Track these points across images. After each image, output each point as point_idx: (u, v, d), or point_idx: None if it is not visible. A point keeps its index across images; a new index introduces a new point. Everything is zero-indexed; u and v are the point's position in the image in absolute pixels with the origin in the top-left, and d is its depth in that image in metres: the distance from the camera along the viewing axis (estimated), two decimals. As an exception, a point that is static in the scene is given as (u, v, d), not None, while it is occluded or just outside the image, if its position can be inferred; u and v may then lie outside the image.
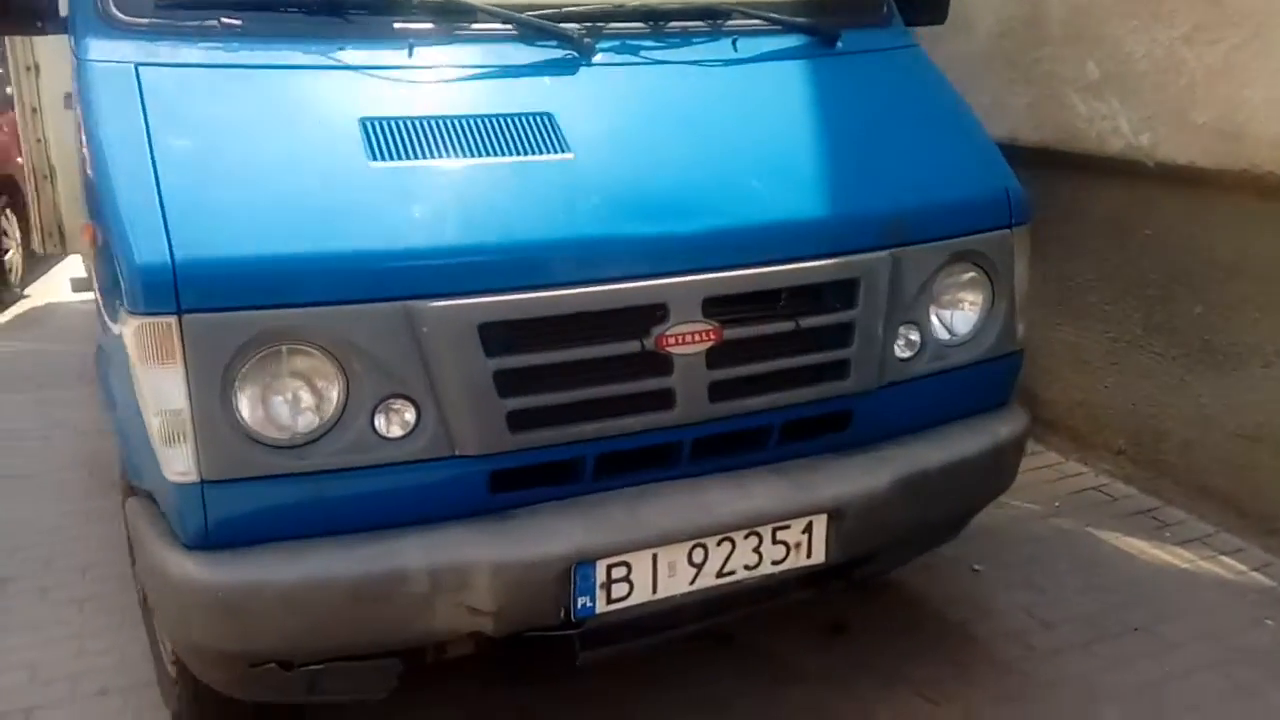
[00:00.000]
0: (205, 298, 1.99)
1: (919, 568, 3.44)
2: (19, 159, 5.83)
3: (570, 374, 2.23)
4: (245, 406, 2.05)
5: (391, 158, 2.21)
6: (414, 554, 2.11)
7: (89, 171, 2.28)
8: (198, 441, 2.02)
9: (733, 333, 2.32)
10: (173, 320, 1.98)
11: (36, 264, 7.79)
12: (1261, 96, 3.44)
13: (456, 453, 2.16)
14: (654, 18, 2.65)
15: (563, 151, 2.31)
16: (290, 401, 2.09)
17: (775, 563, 2.41)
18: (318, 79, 2.35)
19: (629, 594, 2.28)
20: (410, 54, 2.42)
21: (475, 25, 2.51)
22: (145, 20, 2.32)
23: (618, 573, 2.25)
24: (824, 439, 2.53)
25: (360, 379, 2.09)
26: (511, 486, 2.24)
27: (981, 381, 2.72)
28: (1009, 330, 2.72)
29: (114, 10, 2.32)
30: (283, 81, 2.33)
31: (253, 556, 2.08)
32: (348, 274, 2.07)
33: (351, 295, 2.06)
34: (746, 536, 2.36)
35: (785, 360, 2.41)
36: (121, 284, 2.03)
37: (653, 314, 2.25)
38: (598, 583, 2.24)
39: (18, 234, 7.61)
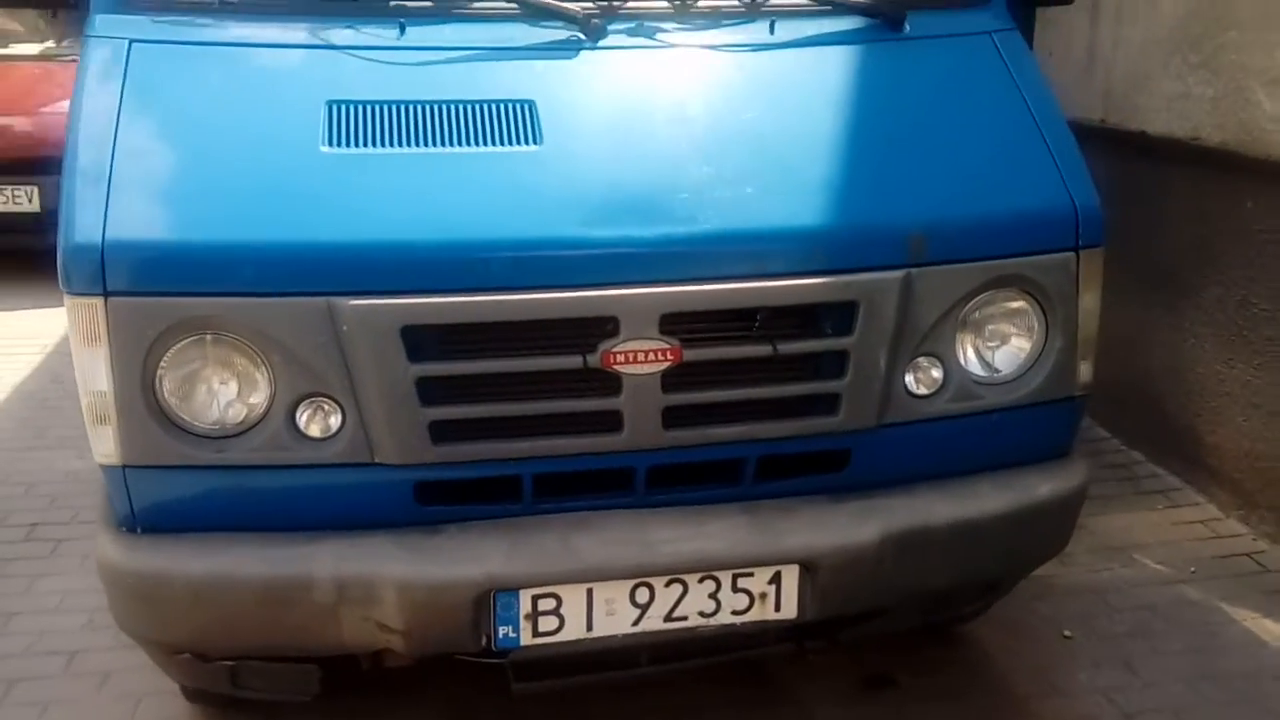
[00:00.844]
0: (129, 281, 1.97)
1: (997, 622, 3.08)
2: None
3: (503, 386, 2.07)
4: (169, 394, 2.02)
5: (345, 144, 2.11)
6: (323, 562, 2.03)
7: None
8: (119, 425, 2.01)
9: (695, 354, 2.08)
10: (99, 301, 1.97)
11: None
12: None
13: (377, 460, 2.05)
14: None
15: (531, 143, 2.14)
16: (214, 392, 2.04)
17: (737, 613, 2.16)
18: (301, 58, 2.29)
19: (559, 629, 2.10)
20: (402, 33, 2.30)
21: (476, 4, 2.37)
22: None
23: (545, 605, 2.08)
24: (816, 479, 2.24)
25: (282, 375, 2.02)
26: (440, 500, 2.11)
27: (1027, 429, 2.34)
28: (1066, 371, 2.32)
29: None
30: (266, 60, 2.28)
31: (166, 546, 2.06)
32: (269, 265, 1.99)
33: (272, 287, 1.99)
34: (701, 580, 2.13)
35: (759, 389, 2.15)
36: (59, 261, 2.04)
37: (600, 328, 2.05)
38: (521, 613, 2.08)
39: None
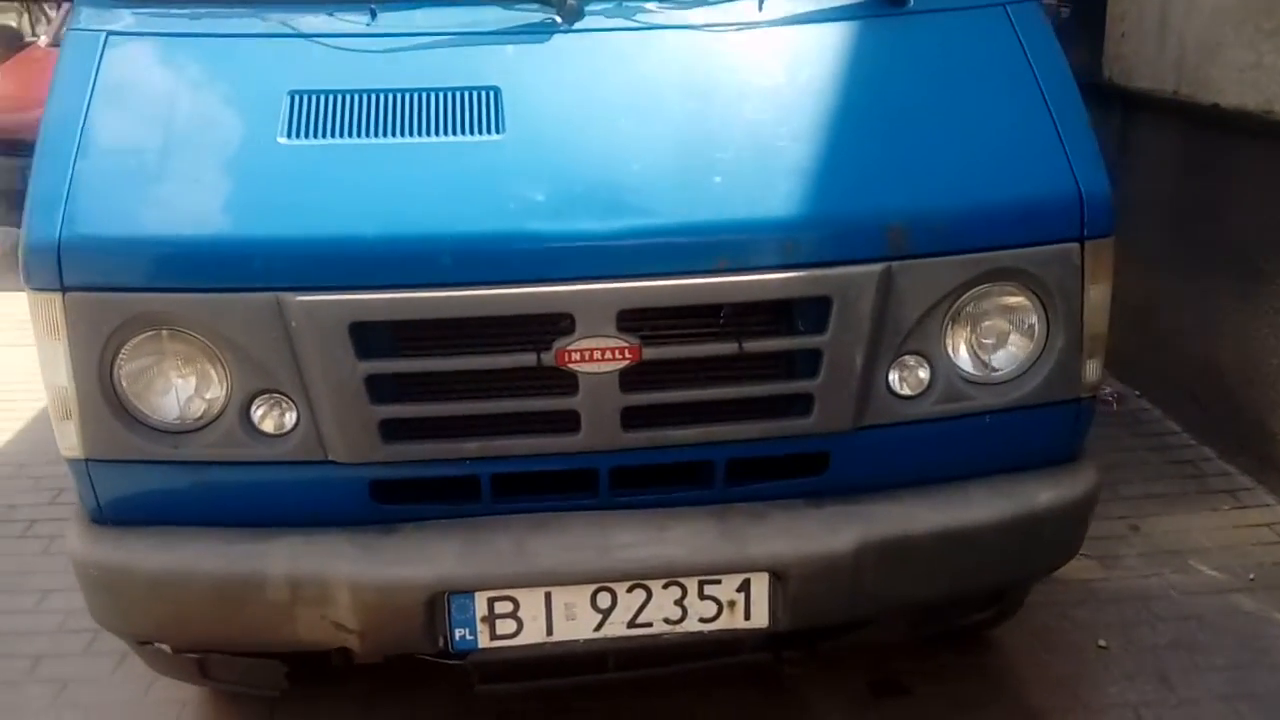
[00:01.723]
0: (84, 277, 1.97)
1: (1027, 628, 2.92)
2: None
3: (455, 385, 2.02)
4: (127, 389, 2.02)
5: (302, 135, 2.07)
6: (278, 560, 2.01)
7: None
8: (80, 419, 2.02)
9: (655, 352, 1.99)
10: (57, 297, 1.97)
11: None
12: None
13: (330, 458, 2.02)
14: None
15: (492, 133, 2.07)
16: (172, 387, 2.04)
17: (705, 620, 2.07)
18: (273, 48, 2.24)
19: (517, 632, 2.05)
20: (373, 19, 2.25)
21: (449, -14, 2.30)
22: None
23: (502, 608, 2.03)
24: (794, 483, 2.13)
25: (236, 371, 2.00)
26: (397, 499, 2.08)
27: (1026, 432, 2.19)
28: (1068, 371, 2.16)
29: None
30: (238, 51, 2.25)
31: (129, 539, 2.07)
32: (217, 260, 1.97)
33: (222, 283, 1.97)
34: (666, 587, 2.05)
35: (724, 389, 2.05)
36: (20, 255, 2.05)
37: (555, 325, 1.97)
38: (477, 616, 2.03)
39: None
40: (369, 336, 1.97)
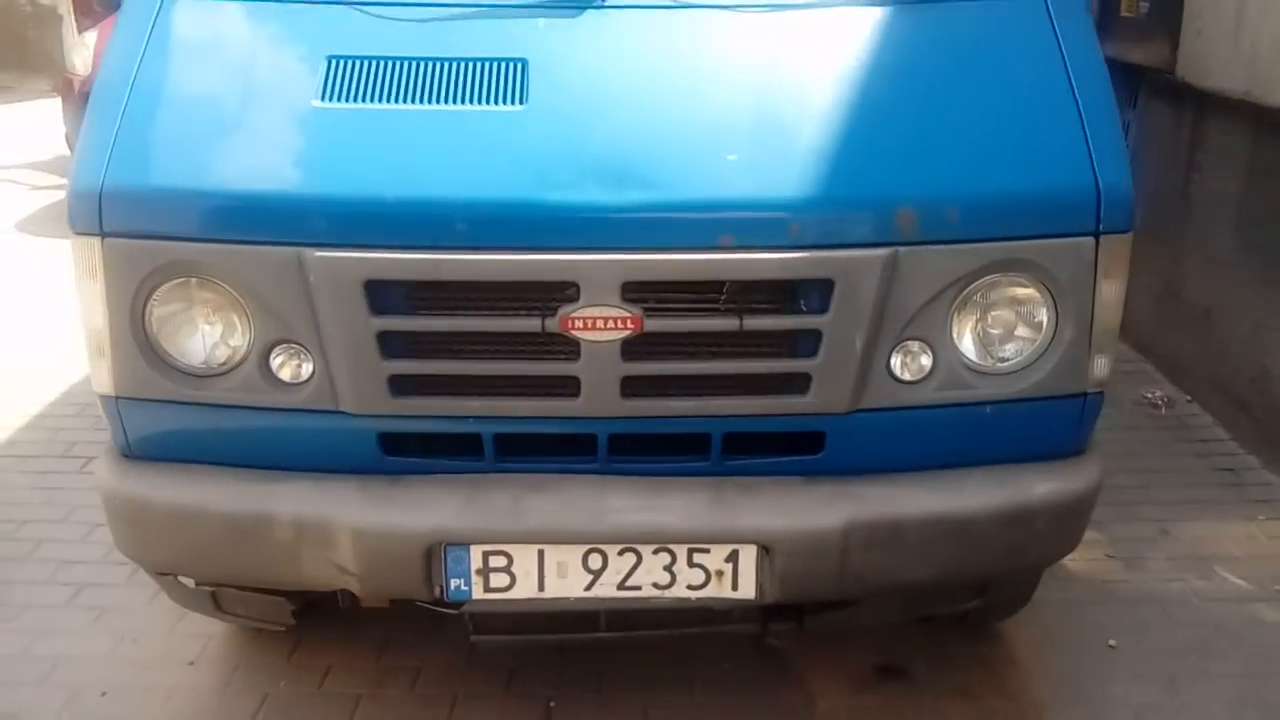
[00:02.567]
0: (122, 224, 2.08)
1: (1038, 623, 2.92)
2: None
3: (463, 345, 2.09)
4: (157, 333, 2.13)
5: (337, 99, 2.14)
6: (285, 502, 2.11)
7: None
8: (112, 358, 2.13)
9: (656, 324, 2.04)
10: (96, 241, 2.08)
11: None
12: None
13: (341, 408, 2.11)
14: None
15: (516, 103, 2.12)
16: (199, 333, 2.14)
17: (693, 587, 2.12)
18: (320, 13, 2.31)
19: (510, 586, 2.12)
20: (419, -15, 2.32)
21: (489, -41, 2.35)
22: None
23: (496, 562, 2.10)
24: (790, 460, 2.17)
25: (257, 320, 2.10)
26: (404, 452, 2.16)
27: (1029, 424, 2.19)
28: (1075, 366, 2.15)
29: None
30: (287, 15, 2.33)
31: (151, 474, 2.19)
32: (245, 214, 2.06)
33: (248, 236, 2.06)
34: (656, 552, 2.10)
35: (723, 364, 2.09)
36: (67, 201, 2.17)
37: (561, 292, 2.03)
38: (472, 568, 2.10)
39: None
40: (383, 294, 2.04)
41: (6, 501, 3.67)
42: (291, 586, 2.26)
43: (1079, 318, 2.12)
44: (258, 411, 2.14)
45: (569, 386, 2.08)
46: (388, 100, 2.14)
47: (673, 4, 2.29)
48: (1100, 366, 2.18)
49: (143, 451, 2.21)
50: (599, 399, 2.07)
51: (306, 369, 2.11)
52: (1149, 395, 4.34)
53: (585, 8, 2.28)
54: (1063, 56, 2.23)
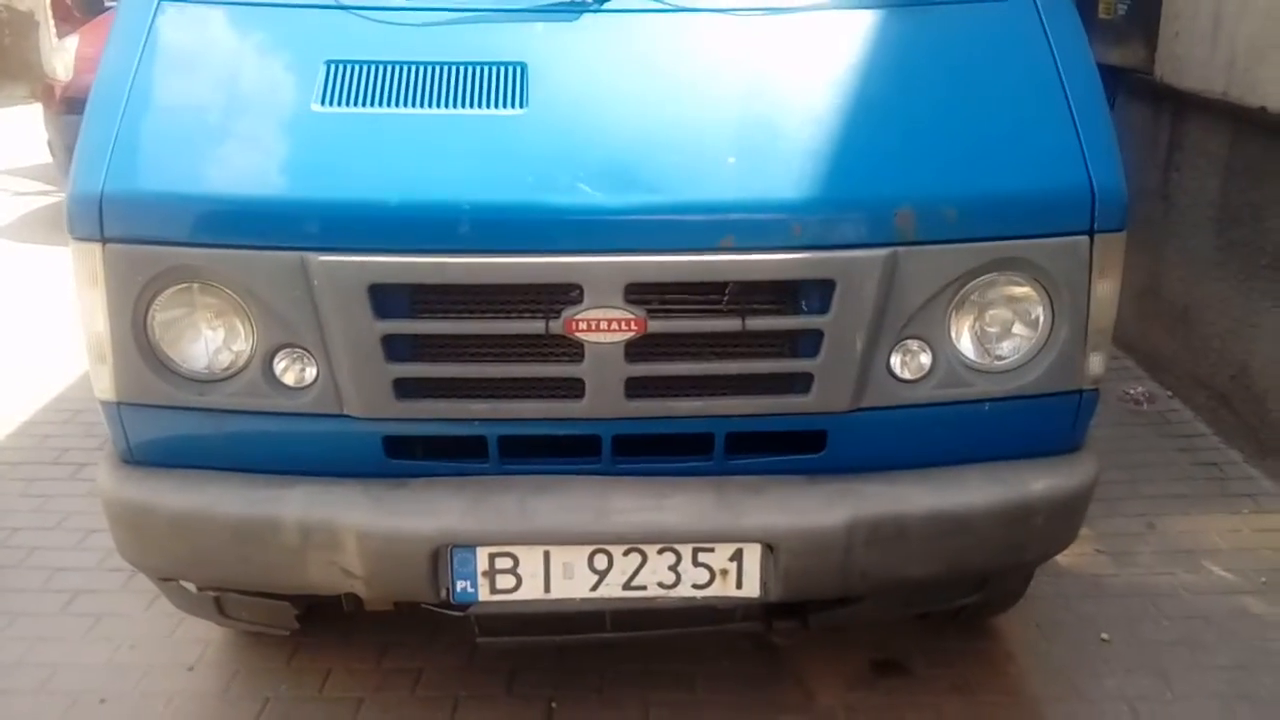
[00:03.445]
0: (123, 229, 2.08)
1: (1031, 617, 2.96)
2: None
3: (467, 347, 2.10)
4: (159, 338, 2.13)
5: (335, 103, 2.16)
6: (292, 506, 2.11)
7: None
8: (114, 364, 2.13)
9: (660, 325, 2.06)
10: (97, 247, 2.08)
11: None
12: None
13: (346, 412, 2.11)
14: None
15: (516, 107, 2.14)
16: (201, 338, 2.14)
17: (698, 586, 2.14)
18: (316, 17, 2.33)
19: (516, 588, 2.14)
20: (416, -10, 2.33)
21: (486, -36, 2.37)
22: None
23: (502, 564, 2.12)
24: (792, 459, 2.19)
25: (260, 325, 2.10)
26: (407, 454, 2.17)
27: (1026, 421, 2.22)
28: (1070, 363, 2.19)
29: None
30: (282, 20, 2.34)
31: (153, 479, 2.18)
32: (248, 219, 2.07)
33: (251, 241, 2.06)
34: (661, 552, 2.12)
35: (726, 364, 2.11)
36: (64, 205, 2.16)
37: (564, 294, 2.05)
38: (479, 570, 2.12)
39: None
40: (386, 298, 2.05)
41: (-3, 509, 3.65)
42: (297, 591, 2.26)
43: (1074, 316, 2.16)
44: (261, 416, 2.15)
45: (573, 388, 2.09)
46: (387, 104, 2.16)
47: (671, 7, 2.31)
48: (1095, 364, 2.21)
49: (144, 457, 2.21)
50: (603, 400, 2.09)
51: (310, 373, 2.12)
52: (1131, 391, 4.40)
53: (583, 11, 2.30)
54: (1054, 57, 2.27)
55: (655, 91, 2.20)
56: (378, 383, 2.08)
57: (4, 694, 2.72)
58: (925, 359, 2.15)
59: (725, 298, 2.07)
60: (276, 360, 2.12)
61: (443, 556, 2.10)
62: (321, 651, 2.83)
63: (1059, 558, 2.68)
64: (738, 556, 2.12)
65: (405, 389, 2.09)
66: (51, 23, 7.56)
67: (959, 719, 2.64)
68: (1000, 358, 2.19)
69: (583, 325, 2.04)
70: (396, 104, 2.16)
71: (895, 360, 2.14)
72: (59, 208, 7.58)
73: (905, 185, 2.09)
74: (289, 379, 2.12)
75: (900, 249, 2.06)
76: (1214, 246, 4.10)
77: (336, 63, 2.21)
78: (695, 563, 2.12)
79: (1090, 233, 2.14)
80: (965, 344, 2.17)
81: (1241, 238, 3.92)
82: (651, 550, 2.11)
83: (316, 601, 2.36)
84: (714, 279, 2.06)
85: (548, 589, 2.14)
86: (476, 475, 2.17)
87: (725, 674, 2.78)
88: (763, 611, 2.30)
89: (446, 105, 2.15)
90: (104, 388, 2.16)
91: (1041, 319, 2.17)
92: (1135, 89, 4.61)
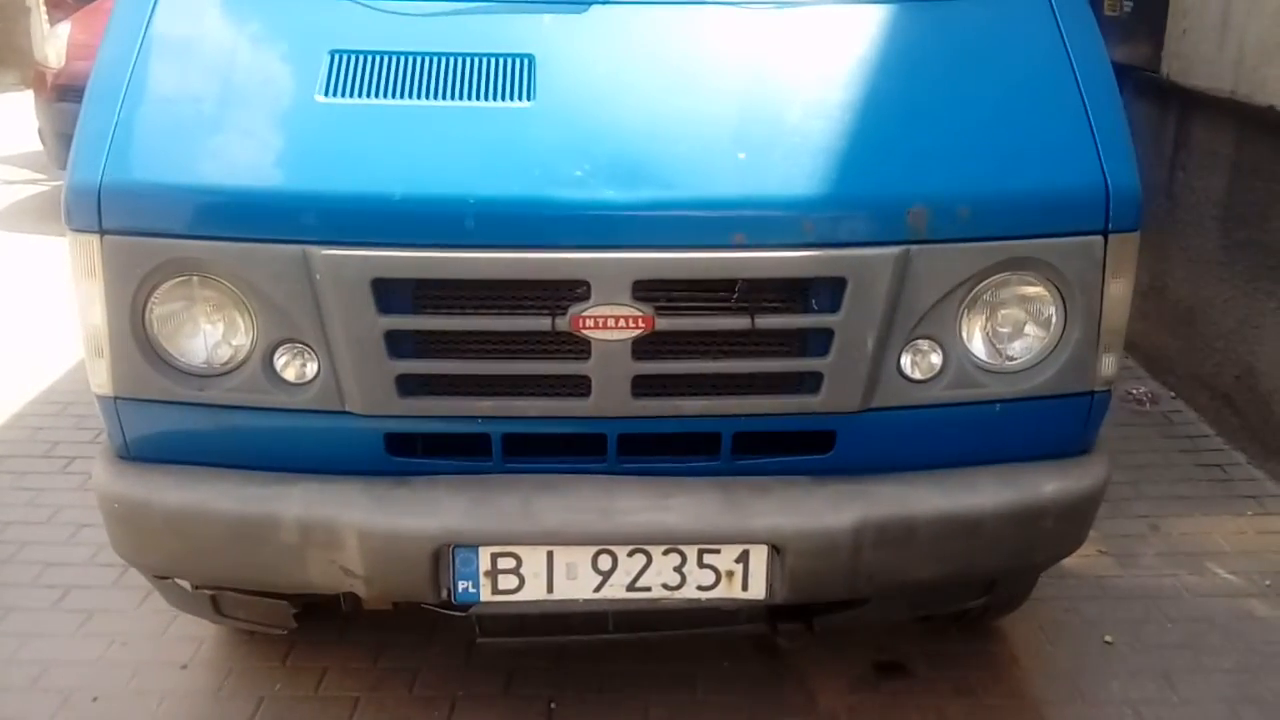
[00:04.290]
0: (122, 221, 2.03)
1: (1034, 620, 2.94)
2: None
3: (471, 344, 2.07)
4: (157, 332, 2.09)
5: (340, 94, 2.11)
6: (292, 504, 2.07)
7: None
8: (111, 358, 2.09)
9: (668, 323, 2.02)
10: (95, 239, 2.04)
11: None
12: None
13: (347, 409, 2.07)
14: None
15: (524, 100, 2.10)
16: (201, 332, 2.10)
17: (703, 588, 2.11)
18: (319, 6, 2.29)
19: (519, 588, 2.10)
20: (422, -20, 2.29)
21: (494, -46, 2.32)
22: None
23: (505, 564, 2.08)
24: (800, 459, 2.16)
25: (261, 319, 2.06)
26: (411, 452, 2.13)
27: (1037, 423, 2.19)
28: (1083, 364, 2.16)
29: None
30: (282, 9, 2.31)
31: (151, 476, 2.14)
32: (249, 211, 2.02)
33: (252, 233, 2.02)
34: (666, 553, 2.08)
35: (735, 363, 2.08)
36: (62, 197, 2.12)
37: (571, 291, 2.01)
38: (481, 570, 2.08)
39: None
40: (390, 293, 2.01)
41: (-13, 503, 3.61)
42: (295, 590, 2.22)
43: (1087, 316, 2.13)
44: (261, 412, 2.11)
45: (579, 386, 2.06)
46: (392, 95, 2.11)
47: (676, 1, 2.27)
48: (1107, 365, 2.19)
49: (141, 453, 2.17)
50: (609, 399, 2.05)
51: (311, 369, 2.08)
52: (1134, 392, 4.37)
53: (592, 3, 2.26)
54: (1069, 58, 2.23)
55: (665, 85, 2.16)
56: (380, 379, 2.04)
57: (-3, 691, 2.69)
58: (936, 359, 2.12)
59: (734, 295, 2.04)
60: (277, 355, 2.08)
61: (444, 556, 2.06)
62: (317, 650, 2.79)
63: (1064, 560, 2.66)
64: (744, 558, 2.09)
65: (408, 386, 2.05)
66: (43, 9, 7.48)
67: (965, 721, 2.62)
68: (1012, 358, 2.16)
69: (589, 322, 2.01)
70: (401, 95, 2.11)
71: (906, 360, 2.11)
72: (49, 196, 7.63)
73: (918, 183, 2.06)
74: (289, 375, 2.08)
75: (913, 247, 2.03)
76: (1219, 246, 4.08)
77: (340, 52, 2.17)
78: (701, 564, 2.09)
79: (1104, 232, 2.11)
80: (977, 344, 2.14)
81: (1247, 238, 3.90)
82: (656, 551, 2.08)
83: (315, 601, 2.32)
84: (723, 276, 2.02)
85: (551, 590, 2.10)
86: (479, 474, 2.14)
87: (726, 675, 2.75)
88: (767, 613, 2.27)
89: (452, 97, 2.11)
90: (101, 382, 2.12)
91: (1054, 319, 2.14)
92: (1141, 87, 4.58)
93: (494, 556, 2.07)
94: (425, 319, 2.05)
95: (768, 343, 2.09)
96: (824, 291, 2.05)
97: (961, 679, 2.75)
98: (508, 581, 2.09)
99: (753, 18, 2.26)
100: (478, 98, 2.11)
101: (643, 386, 2.06)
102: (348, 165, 2.04)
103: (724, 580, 2.10)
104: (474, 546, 2.06)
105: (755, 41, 2.24)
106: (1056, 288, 2.12)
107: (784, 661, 2.79)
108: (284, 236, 2.00)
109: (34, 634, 2.89)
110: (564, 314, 2.00)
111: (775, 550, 2.07)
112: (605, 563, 2.08)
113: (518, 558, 2.08)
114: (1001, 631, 2.93)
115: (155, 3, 2.27)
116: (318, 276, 2.00)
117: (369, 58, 2.16)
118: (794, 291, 2.08)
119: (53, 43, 7.10)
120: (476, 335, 2.06)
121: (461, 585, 2.09)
